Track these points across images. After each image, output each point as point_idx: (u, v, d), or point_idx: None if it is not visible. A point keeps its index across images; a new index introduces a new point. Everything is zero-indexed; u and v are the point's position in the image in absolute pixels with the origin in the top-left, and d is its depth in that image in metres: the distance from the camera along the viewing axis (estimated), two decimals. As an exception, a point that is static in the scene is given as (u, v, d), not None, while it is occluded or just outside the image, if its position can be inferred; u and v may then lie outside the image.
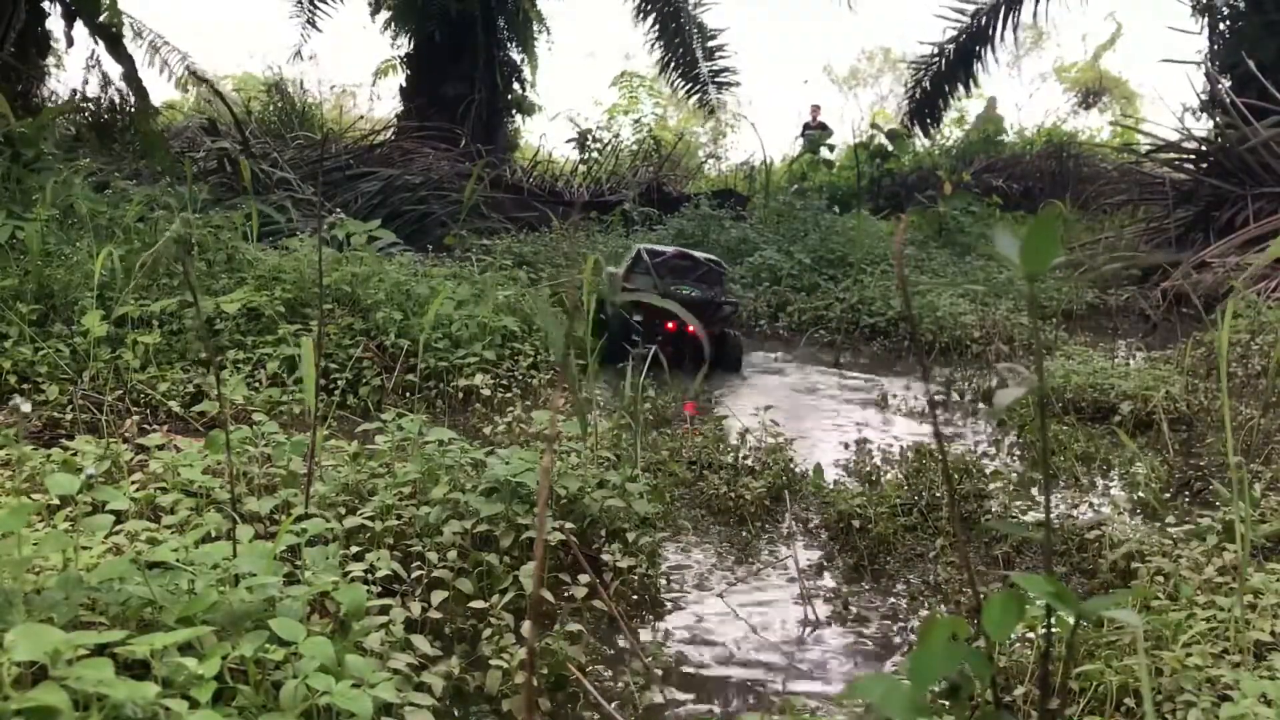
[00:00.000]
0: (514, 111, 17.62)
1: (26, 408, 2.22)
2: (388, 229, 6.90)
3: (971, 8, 15.36)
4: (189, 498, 2.89)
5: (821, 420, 5.57)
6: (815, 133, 18.68)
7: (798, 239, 9.79)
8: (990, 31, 15.48)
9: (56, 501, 2.77)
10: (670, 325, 5.79)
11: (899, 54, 17.25)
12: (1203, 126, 12.11)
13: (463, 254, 6.95)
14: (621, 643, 2.81)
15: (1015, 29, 15.36)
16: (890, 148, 15.84)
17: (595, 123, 18.86)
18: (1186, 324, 7.92)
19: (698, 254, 7.07)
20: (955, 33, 15.71)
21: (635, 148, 18.42)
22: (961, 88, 16.56)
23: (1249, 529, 2.46)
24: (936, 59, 16.17)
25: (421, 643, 2.37)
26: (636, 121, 20.27)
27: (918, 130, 17.01)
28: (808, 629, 3.00)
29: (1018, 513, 3.77)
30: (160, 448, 3.17)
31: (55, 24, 11.51)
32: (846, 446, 4.68)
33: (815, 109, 19.44)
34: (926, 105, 16.74)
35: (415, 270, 6.34)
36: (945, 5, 15.45)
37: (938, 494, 3.77)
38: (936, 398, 5.89)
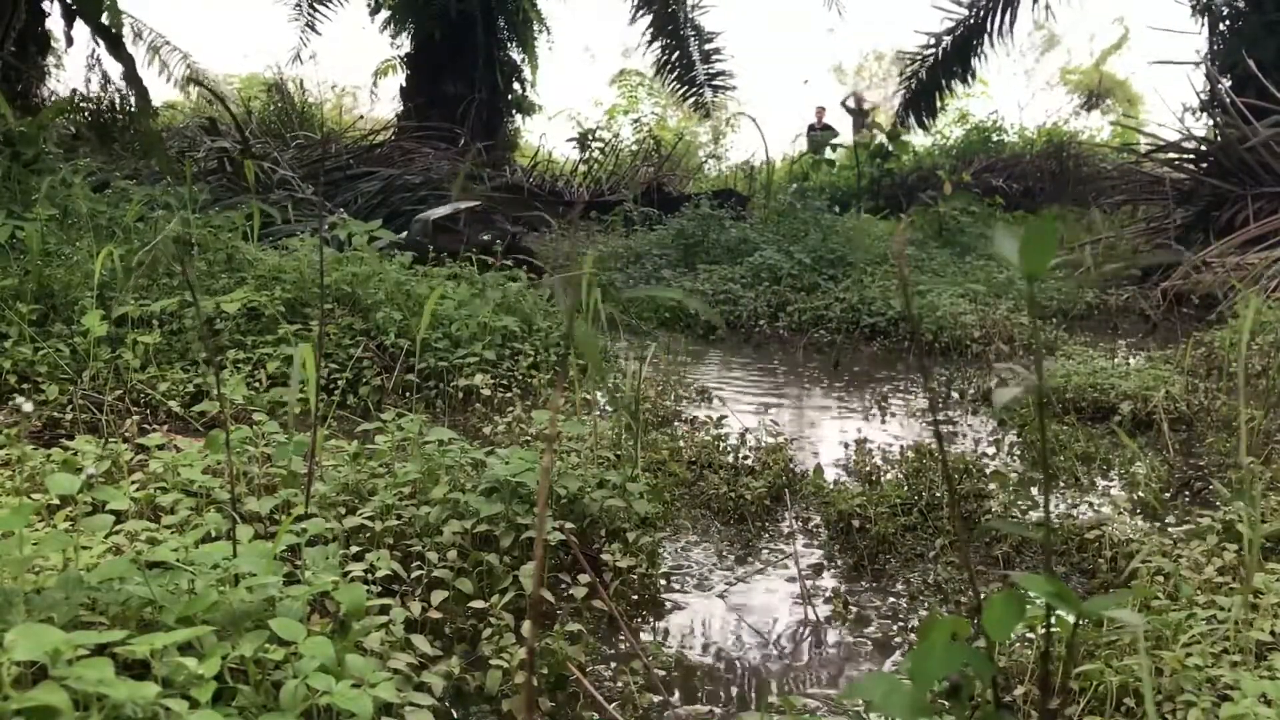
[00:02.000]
0: (514, 111, 17.64)
1: (29, 407, 2.22)
2: (388, 229, 6.90)
3: (969, -2, 15.32)
4: (189, 498, 2.89)
5: (821, 419, 5.57)
6: (820, 134, 18.69)
7: (798, 239, 9.78)
8: (989, 25, 15.43)
9: (56, 501, 2.77)
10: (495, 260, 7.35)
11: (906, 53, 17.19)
12: (1203, 126, 12.12)
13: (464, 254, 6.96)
14: (621, 643, 2.81)
15: (1013, 24, 15.30)
16: (890, 148, 15.83)
17: (595, 123, 18.88)
18: (1186, 324, 7.92)
19: (470, 204, 8.94)
20: (952, 24, 15.65)
21: (635, 148, 18.43)
22: (959, 82, 16.48)
23: (1254, 529, 2.46)
24: (932, 50, 16.10)
25: (421, 643, 2.37)
26: (636, 122, 20.30)
27: (912, 122, 16.93)
28: (808, 629, 3.00)
29: (1018, 513, 3.77)
30: (160, 448, 3.17)
31: (55, 24, 11.52)
32: (846, 446, 4.68)
33: (820, 110, 19.46)
34: (922, 97, 16.68)
35: (415, 270, 6.33)
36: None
37: (938, 494, 3.77)
38: (936, 398, 5.89)
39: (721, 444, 4.36)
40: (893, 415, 5.58)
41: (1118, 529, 3.35)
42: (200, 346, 4.84)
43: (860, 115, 19.13)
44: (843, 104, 19.30)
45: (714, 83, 16.90)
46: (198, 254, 5.87)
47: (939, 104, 17.00)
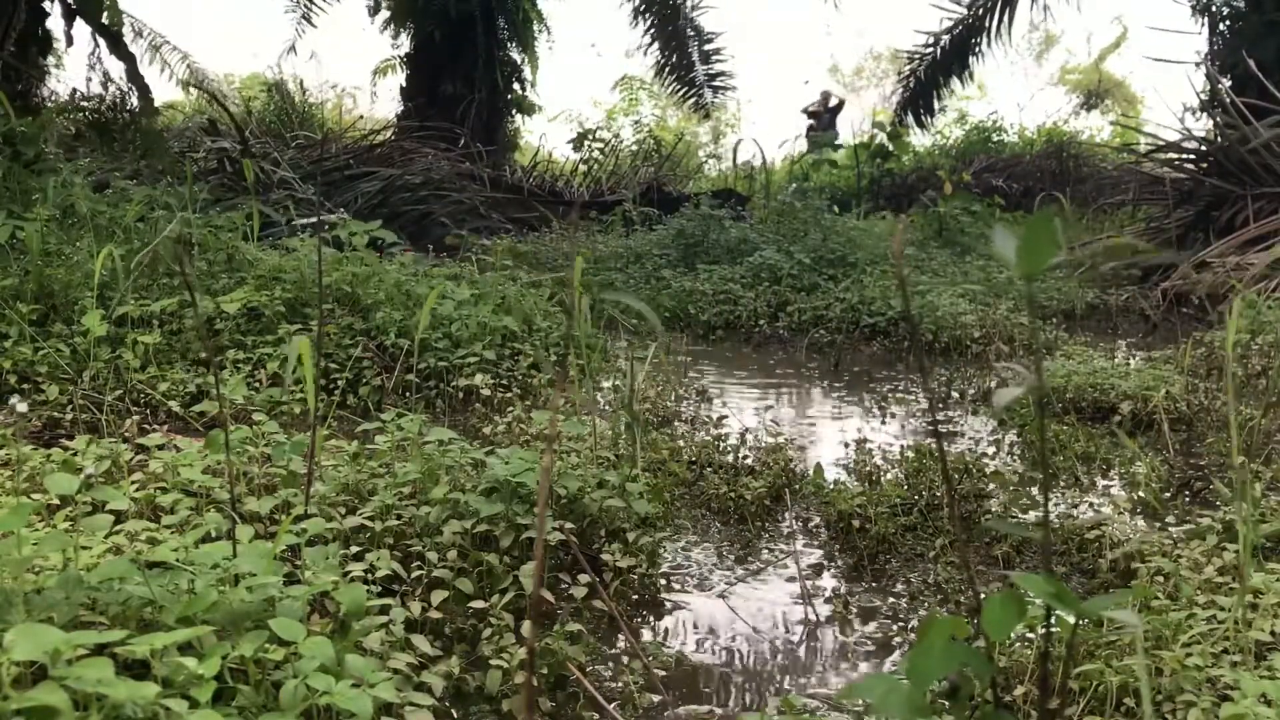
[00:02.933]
0: (514, 111, 17.62)
1: (23, 408, 2.22)
2: (388, 229, 6.91)
3: (968, -2, 15.30)
4: (189, 498, 2.89)
5: (821, 419, 5.57)
6: (820, 134, 18.68)
7: (798, 239, 9.78)
8: (987, 23, 15.42)
9: (56, 501, 2.77)
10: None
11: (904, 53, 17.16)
12: (1203, 126, 12.13)
13: (463, 254, 6.97)
14: (621, 643, 2.81)
15: (1011, 23, 15.30)
16: (890, 148, 15.82)
17: (595, 123, 18.89)
18: (1186, 324, 7.92)
19: (334, 217, 9.24)
20: (951, 23, 15.64)
21: (635, 148, 18.42)
22: (957, 81, 16.46)
23: (1250, 529, 2.46)
24: (931, 48, 16.08)
25: (421, 643, 2.37)
26: (636, 122, 20.30)
27: (911, 122, 16.91)
28: (808, 629, 3.00)
29: (1018, 513, 3.77)
30: (160, 448, 3.18)
31: (55, 23, 11.51)
32: (846, 446, 4.68)
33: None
34: (920, 96, 16.66)
35: (415, 270, 6.34)
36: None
37: (938, 494, 3.77)
38: (936, 398, 5.89)
39: (721, 444, 4.36)
40: (893, 415, 5.58)
41: (1118, 529, 3.35)
42: (200, 346, 4.84)
43: (830, 114, 19.03)
44: (805, 110, 19.17)
45: (714, 83, 16.89)
46: (198, 254, 5.87)
47: (937, 103, 16.98)
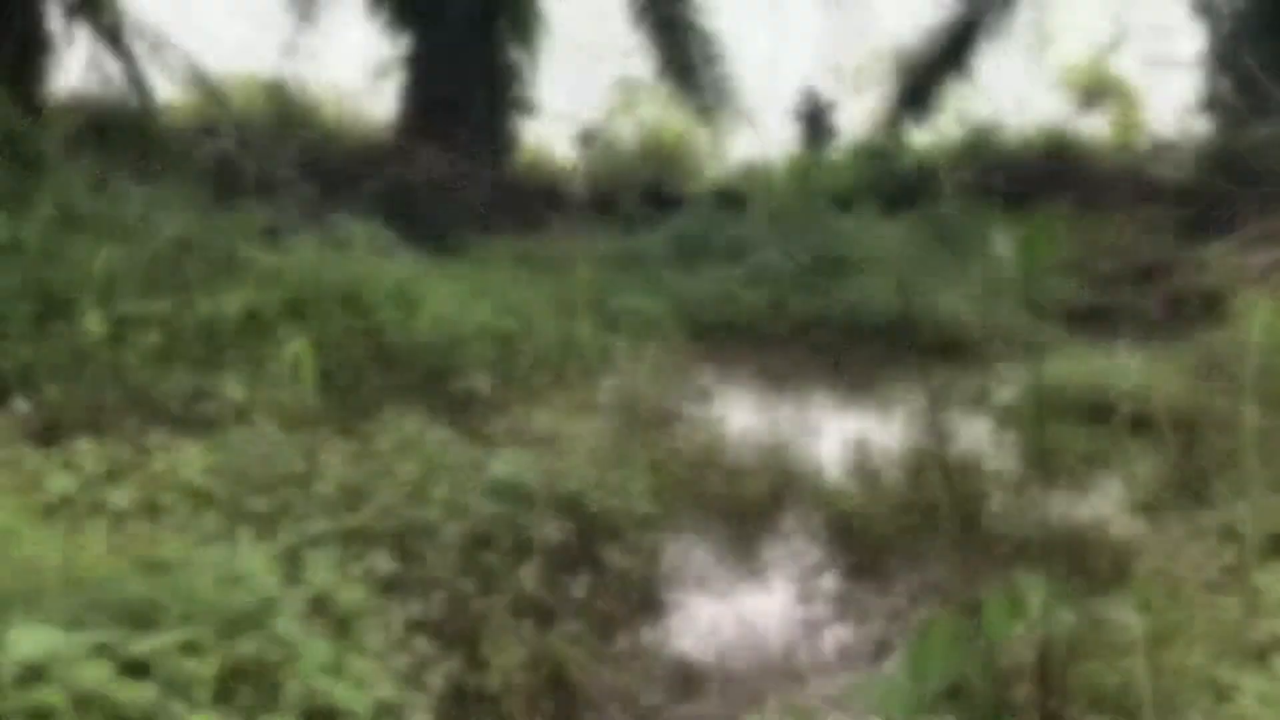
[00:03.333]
0: (514, 111, 17.60)
1: (25, 408, 2.22)
2: (388, 229, 6.90)
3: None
4: (189, 498, 2.88)
5: (821, 419, 5.57)
6: (819, 135, 18.62)
7: (797, 239, 9.77)
8: (986, 20, 15.41)
9: (56, 501, 2.77)
10: None
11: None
12: (1202, 126, 12.13)
13: (463, 254, 6.96)
14: (621, 643, 2.81)
15: (1010, 20, 15.28)
16: (890, 147, 15.80)
17: (596, 123, 18.87)
18: (1186, 324, 7.91)
19: None
20: (950, 20, 15.63)
21: (635, 148, 18.42)
22: (955, 78, 16.42)
23: (1253, 528, 2.46)
24: (929, 45, 16.07)
25: (421, 643, 2.37)
26: (637, 122, 20.28)
27: (909, 120, 16.87)
28: (808, 629, 3.00)
29: (1018, 513, 3.77)
30: (161, 448, 3.17)
31: (55, 24, 11.49)
32: (846, 446, 4.67)
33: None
34: (918, 94, 16.63)
35: (415, 270, 6.33)
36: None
37: (938, 494, 3.76)
38: (936, 398, 5.88)
39: (721, 444, 4.36)
40: (893, 415, 5.58)
41: (1118, 529, 3.35)
42: (200, 347, 4.84)
43: (818, 114, 18.91)
44: (793, 111, 19.05)
45: (716, 86, 16.85)
46: (198, 254, 5.86)
47: (935, 101, 16.94)
